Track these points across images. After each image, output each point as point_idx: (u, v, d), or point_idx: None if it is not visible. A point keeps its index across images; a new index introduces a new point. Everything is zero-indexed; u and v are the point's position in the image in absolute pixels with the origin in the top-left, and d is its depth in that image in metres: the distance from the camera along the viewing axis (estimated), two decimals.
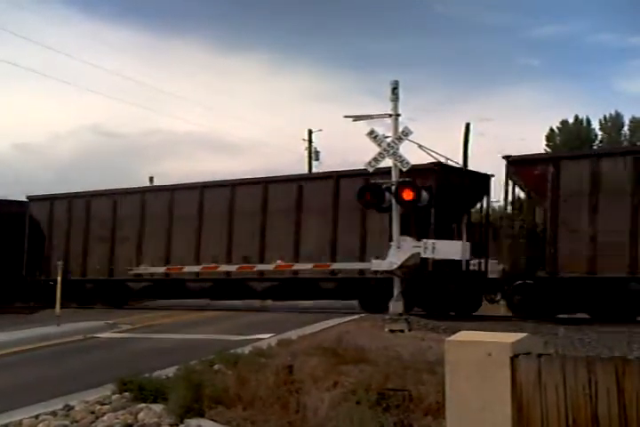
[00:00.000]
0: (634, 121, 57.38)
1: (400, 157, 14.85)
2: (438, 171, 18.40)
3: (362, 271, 18.53)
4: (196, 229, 21.90)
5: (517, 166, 18.18)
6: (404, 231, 16.67)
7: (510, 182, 18.19)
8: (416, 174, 17.37)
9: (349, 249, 19.30)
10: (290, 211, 20.41)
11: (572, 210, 17.11)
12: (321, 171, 24.63)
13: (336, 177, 20.24)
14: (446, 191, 18.40)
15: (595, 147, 52.97)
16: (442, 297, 18.78)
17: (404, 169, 14.91)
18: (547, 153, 18.84)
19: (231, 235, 21.30)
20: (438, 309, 18.51)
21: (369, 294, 18.89)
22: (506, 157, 18.07)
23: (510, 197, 18.42)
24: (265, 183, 21.27)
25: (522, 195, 19.79)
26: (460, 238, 18.14)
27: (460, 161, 28.34)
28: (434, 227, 17.94)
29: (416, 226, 17.63)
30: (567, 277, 16.96)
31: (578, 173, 17.19)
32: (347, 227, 19.54)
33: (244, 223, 21.12)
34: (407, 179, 15.00)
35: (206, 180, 23.16)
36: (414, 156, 16.18)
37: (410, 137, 15.16)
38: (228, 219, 21.40)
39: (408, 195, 14.81)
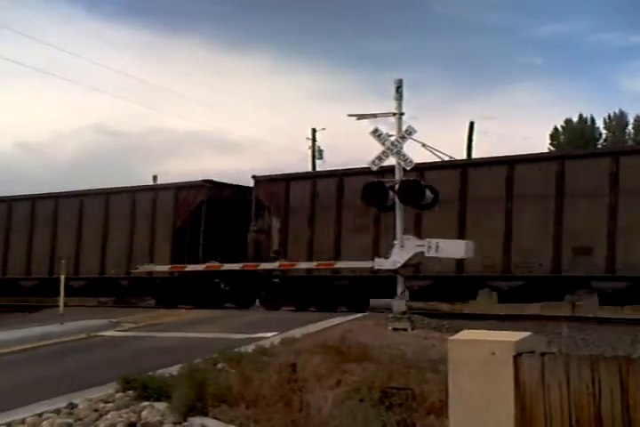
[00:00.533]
0: (638, 120, 57.27)
1: (404, 155, 14.84)
2: (209, 187, 22.29)
3: (150, 272, 22.18)
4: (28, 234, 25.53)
5: (260, 184, 21.89)
6: (180, 243, 22.39)
7: (255, 197, 21.93)
8: (187, 190, 22.69)
9: (142, 251, 23.03)
10: (99, 219, 24.14)
11: (298, 221, 20.79)
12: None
13: (105, 194, 24.38)
14: (218, 205, 22.12)
15: (599, 146, 52.95)
16: (214, 293, 22.41)
17: (408, 168, 14.92)
18: (282, 174, 22.46)
19: (55, 241, 24.92)
20: (212, 303, 21.81)
21: (157, 291, 23.04)
22: (253, 177, 21.96)
23: (254, 209, 21.93)
24: (81, 196, 24.91)
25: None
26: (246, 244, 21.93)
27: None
28: (203, 236, 21.98)
29: (190, 234, 22.20)
30: (294, 275, 20.54)
31: (301, 191, 21.01)
32: (140, 233, 23.33)
33: (66, 230, 24.66)
34: (412, 178, 15.05)
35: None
36: (418, 154, 16.26)
37: (414, 136, 15.16)
38: (52, 227, 25.06)
39: (414, 193, 14.81)
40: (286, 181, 21.46)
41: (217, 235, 21.88)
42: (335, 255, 19.74)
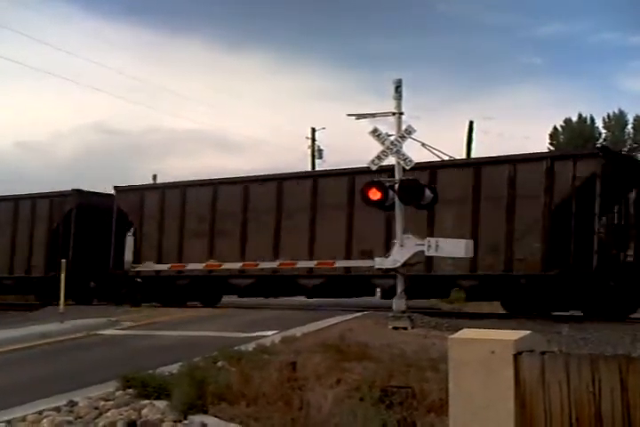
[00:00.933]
0: (637, 119, 57.26)
1: (403, 155, 14.84)
2: (78, 195, 24.53)
3: (28, 271, 24.78)
4: None
5: (121, 193, 24.04)
6: (54, 246, 24.19)
7: (117, 205, 23.84)
8: (60, 198, 24.71)
9: (22, 253, 25.08)
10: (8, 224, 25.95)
11: (150, 227, 23.04)
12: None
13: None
14: (89, 212, 24.27)
15: (598, 145, 52.93)
16: (84, 291, 24.36)
17: (408, 167, 14.91)
18: (138, 185, 24.66)
19: None
20: (84, 300, 23.81)
21: (36, 289, 24.75)
22: (114, 187, 24.24)
23: (115, 216, 23.74)
24: None
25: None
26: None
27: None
28: (74, 239, 23.96)
29: (63, 238, 24.09)
30: (146, 275, 22.83)
31: (154, 201, 23.26)
32: (21, 237, 25.34)
33: None
34: (411, 177, 15.08)
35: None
36: (418, 154, 16.29)
37: (413, 135, 15.16)
38: None
39: (413, 193, 14.82)
40: (141, 191, 23.82)
41: (87, 239, 24.10)
42: (179, 258, 22.12)
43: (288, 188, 20.86)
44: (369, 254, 18.31)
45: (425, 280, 18.14)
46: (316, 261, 19.41)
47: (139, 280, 22.92)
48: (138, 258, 22.86)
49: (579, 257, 16.79)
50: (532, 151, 19.86)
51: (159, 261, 22.33)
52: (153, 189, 23.91)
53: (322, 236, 19.93)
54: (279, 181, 21.09)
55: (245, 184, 21.75)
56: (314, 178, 21.12)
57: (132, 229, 23.50)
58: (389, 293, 18.82)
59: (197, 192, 22.57)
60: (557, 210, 17.00)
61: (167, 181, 24.16)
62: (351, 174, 19.84)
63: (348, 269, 19.41)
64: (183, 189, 22.87)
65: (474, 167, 18.18)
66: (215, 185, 22.32)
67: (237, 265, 20.65)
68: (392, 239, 17.53)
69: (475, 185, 17.95)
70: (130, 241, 23.35)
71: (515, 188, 17.46)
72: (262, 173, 22.69)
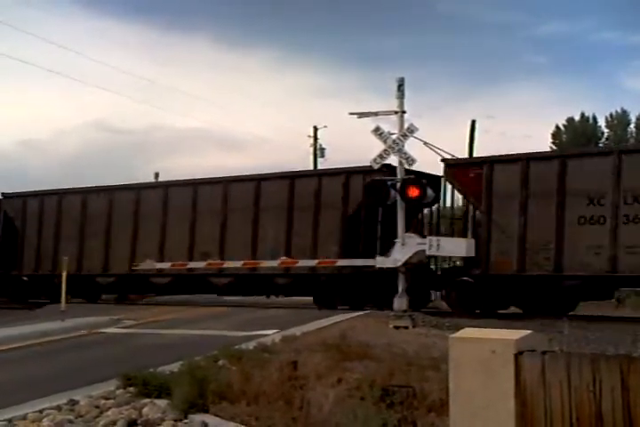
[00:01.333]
0: None
1: (405, 153, 14.84)
2: None
3: None
4: None
5: (7, 200, 25.88)
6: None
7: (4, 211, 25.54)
8: None
9: None
10: None
11: (31, 231, 24.96)
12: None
13: None
14: None
15: (601, 145, 52.90)
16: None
17: (410, 166, 14.92)
18: (21, 191, 26.19)
19: None
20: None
21: None
22: (2, 194, 25.88)
23: (2, 221, 25.66)
24: None
25: None
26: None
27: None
28: None
29: None
30: (28, 274, 24.82)
31: (35, 207, 25.05)
32: None
33: None
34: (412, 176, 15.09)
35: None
36: (420, 153, 16.31)
37: (415, 134, 15.16)
38: None
39: (413, 192, 14.82)
40: (24, 197, 25.59)
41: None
42: (53, 259, 23.79)
43: (144, 196, 23.46)
44: (207, 256, 21.36)
45: (249, 279, 21.01)
46: (170, 263, 21.62)
47: (25, 279, 24.79)
48: (21, 260, 24.98)
49: (367, 258, 17.90)
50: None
51: (37, 262, 24.47)
52: (34, 195, 25.55)
53: (171, 239, 22.50)
54: (137, 191, 23.76)
55: (111, 192, 24.20)
56: (164, 187, 23.60)
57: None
58: (223, 290, 22.15)
59: (70, 199, 24.64)
60: (351, 218, 19.50)
61: (46, 189, 25.78)
62: (225, 182, 22.10)
63: (191, 269, 21.51)
64: (60, 196, 24.90)
65: (289, 179, 20.82)
66: (85, 193, 24.62)
67: (100, 265, 23.51)
68: (226, 242, 21.25)
69: (289, 196, 20.62)
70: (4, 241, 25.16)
71: (320, 199, 20.19)
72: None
